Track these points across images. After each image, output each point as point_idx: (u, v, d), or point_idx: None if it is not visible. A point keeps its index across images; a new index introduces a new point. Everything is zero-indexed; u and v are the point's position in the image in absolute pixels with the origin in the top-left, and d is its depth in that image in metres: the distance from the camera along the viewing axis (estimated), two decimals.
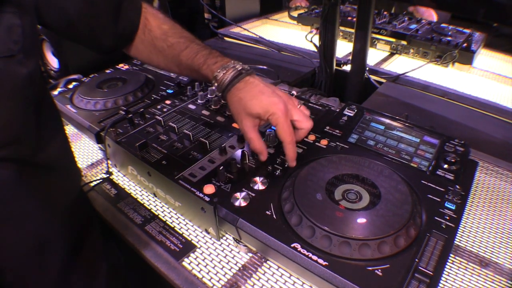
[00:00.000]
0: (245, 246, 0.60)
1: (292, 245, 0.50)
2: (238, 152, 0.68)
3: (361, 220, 0.51)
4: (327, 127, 0.74)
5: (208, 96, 0.88)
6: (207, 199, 0.58)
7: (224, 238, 0.64)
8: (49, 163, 0.54)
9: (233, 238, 0.61)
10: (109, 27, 0.61)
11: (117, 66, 1.08)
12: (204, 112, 0.82)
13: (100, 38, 0.61)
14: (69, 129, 0.94)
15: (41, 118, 0.52)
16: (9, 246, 0.50)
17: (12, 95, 0.45)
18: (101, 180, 0.78)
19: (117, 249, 0.74)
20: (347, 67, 1.23)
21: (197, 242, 0.63)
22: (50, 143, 0.54)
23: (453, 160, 0.64)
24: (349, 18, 1.45)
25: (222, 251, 0.62)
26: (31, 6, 0.47)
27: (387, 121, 0.76)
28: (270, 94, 0.58)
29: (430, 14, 1.73)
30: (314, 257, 0.48)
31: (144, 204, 0.72)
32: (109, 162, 0.81)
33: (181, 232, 0.66)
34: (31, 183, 0.51)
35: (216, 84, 0.61)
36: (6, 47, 0.43)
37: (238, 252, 0.61)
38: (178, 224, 0.67)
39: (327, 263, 0.47)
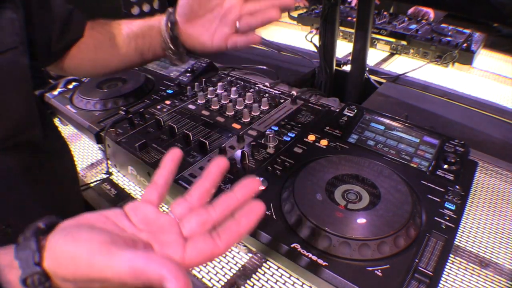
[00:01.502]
0: (245, 246, 0.60)
1: (292, 245, 0.50)
2: (238, 153, 0.68)
3: (361, 220, 0.51)
4: (327, 127, 0.74)
5: (208, 96, 0.88)
6: None
7: None
8: (53, 148, 0.58)
9: None
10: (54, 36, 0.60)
11: None
12: (204, 112, 0.82)
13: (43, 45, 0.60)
14: (69, 129, 0.94)
15: (40, 107, 0.55)
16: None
17: (21, 85, 0.48)
18: (101, 180, 0.78)
19: None
20: (347, 67, 1.23)
21: None
22: (51, 131, 0.59)
23: (453, 160, 0.64)
24: (349, 18, 1.45)
25: None
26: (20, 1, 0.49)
27: (387, 121, 0.76)
28: None
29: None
30: (314, 258, 0.48)
31: None
32: (109, 162, 0.81)
33: None
34: (42, 171, 0.54)
35: (170, 17, 0.59)
36: (12, 39, 0.46)
37: (238, 252, 0.61)
38: None
39: (327, 264, 0.47)
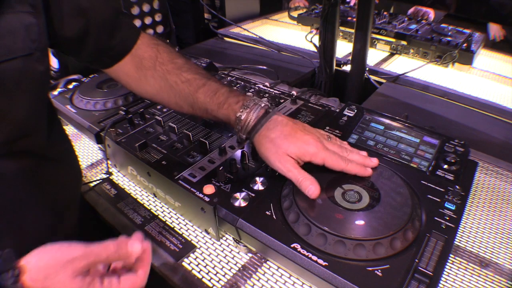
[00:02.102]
0: (245, 246, 0.60)
1: (292, 246, 0.50)
2: (238, 153, 0.68)
3: (361, 221, 0.51)
4: (327, 128, 0.74)
5: None
6: (207, 199, 0.58)
7: (224, 238, 0.64)
8: (57, 157, 0.57)
9: (233, 238, 0.61)
10: (101, 37, 0.58)
11: None
12: None
13: (86, 44, 0.58)
14: (69, 129, 0.94)
15: (50, 112, 0.55)
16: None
17: (30, 91, 0.48)
18: (101, 180, 0.78)
19: None
20: (347, 67, 1.23)
21: (197, 243, 0.63)
22: (58, 137, 0.58)
23: (453, 161, 0.64)
24: (349, 18, 1.45)
25: (222, 251, 0.62)
26: (41, 5, 0.48)
27: (387, 121, 0.76)
28: (303, 135, 0.55)
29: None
30: (314, 258, 0.48)
31: (144, 205, 0.72)
32: (109, 162, 0.81)
33: (180, 233, 0.65)
34: (43, 176, 0.54)
35: (240, 126, 0.57)
36: (26, 45, 0.45)
37: (238, 252, 0.61)
38: (178, 224, 0.67)
39: (327, 264, 0.47)
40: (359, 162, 0.57)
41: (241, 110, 0.56)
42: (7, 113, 0.45)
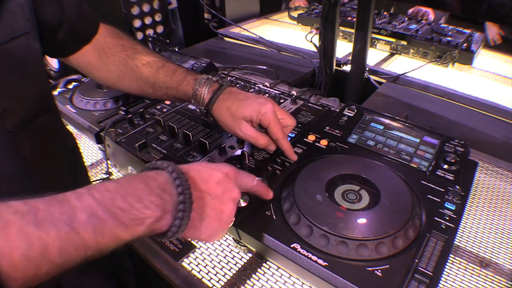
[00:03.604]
0: (245, 246, 0.60)
1: (292, 246, 0.50)
2: (238, 152, 0.68)
3: (361, 220, 0.51)
4: (327, 127, 0.74)
5: None
6: None
7: (224, 238, 0.64)
8: (65, 138, 0.61)
9: (233, 238, 0.60)
10: (71, 21, 0.59)
11: None
12: None
13: (58, 28, 0.58)
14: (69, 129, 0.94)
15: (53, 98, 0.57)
16: None
17: (36, 69, 0.50)
18: (101, 181, 0.78)
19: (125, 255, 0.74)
20: (347, 67, 1.23)
21: (197, 243, 0.63)
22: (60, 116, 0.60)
23: (453, 161, 0.64)
24: (349, 18, 1.45)
25: (222, 251, 0.62)
26: None
27: (387, 121, 0.76)
28: (255, 98, 0.60)
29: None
30: (314, 258, 0.48)
31: None
32: (109, 162, 0.81)
33: None
34: (60, 156, 0.57)
35: (197, 99, 0.62)
36: (25, 24, 0.46)
37: (238, 252, 0.61)
38: None
39: (326, 264, 0.47)
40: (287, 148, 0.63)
41: (197, 85, 0.62)
42: (24, 90, 0.47)
